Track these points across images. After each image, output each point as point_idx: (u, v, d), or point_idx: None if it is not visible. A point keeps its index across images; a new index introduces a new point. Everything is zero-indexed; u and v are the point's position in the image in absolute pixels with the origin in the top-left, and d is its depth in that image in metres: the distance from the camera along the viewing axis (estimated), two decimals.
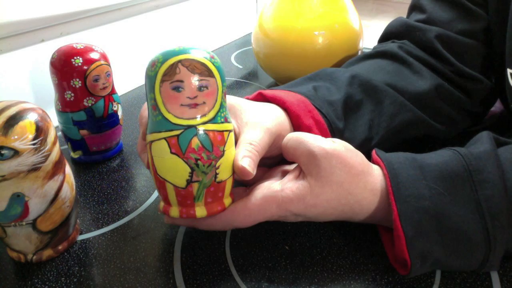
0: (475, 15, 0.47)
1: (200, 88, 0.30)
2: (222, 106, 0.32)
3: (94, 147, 0.48)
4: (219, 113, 0.31)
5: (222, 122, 0.31)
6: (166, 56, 0.30)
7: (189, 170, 0.30)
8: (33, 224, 0.32)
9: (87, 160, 0.48)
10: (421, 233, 0.30)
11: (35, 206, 0.31)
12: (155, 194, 0.43)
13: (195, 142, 0.30)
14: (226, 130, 0.32)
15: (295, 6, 0.59)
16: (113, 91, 0.47)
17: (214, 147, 0.31)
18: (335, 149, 0.32)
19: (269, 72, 0.66)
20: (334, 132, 0.40)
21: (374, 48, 0.51)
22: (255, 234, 0.37)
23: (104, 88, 0.46)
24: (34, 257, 0.34)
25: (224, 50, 0.88)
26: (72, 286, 0.33)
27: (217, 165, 0.31)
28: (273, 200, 0.32)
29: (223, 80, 0.32)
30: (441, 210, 0.30)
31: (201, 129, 0.30)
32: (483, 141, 0.33)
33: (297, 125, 0.39)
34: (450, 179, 0.31)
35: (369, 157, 0.35)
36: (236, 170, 0.32)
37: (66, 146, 0.48)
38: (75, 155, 0.48)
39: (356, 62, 0.50)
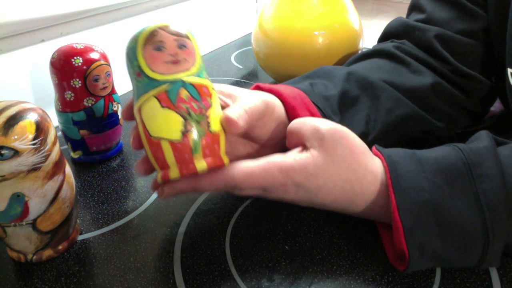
0: (475, 15, 0.47)
1: (180, 47, 0.32)
2: (201, 68, 0.33)
3: (94, 147, 0.48)
4: (201, 71, 0.33)
5: (205, 78, 0.33)
6: (144, 28, 0.32)
7: (182, 120, 0.31)
8: (33, 224, 0.32)
9: (87, 160, 0.48)
10: (419, 225, 0.30)
11: (35, 206, 0.31)
12: (155, 194, 0.43)
13: (184, 93, 0.31)
14: (210, 86, 0.33)
15: (295, 6, 0.59)
16: (113, 91, 0.47)
17: (202, 97, 0.32)
18: (338, 127, 0.34)
19: (269, 72, 0.66)
20: None
21: (372, 47, 0.52)
22: (255, 234, 0.37)
23: (104, 88, 0.46)
24: (34, 257, 0.34)
25: (224, 50, 0.88)
26: (72, 286, 0.33)
27: (207, 114, 0.32)
28: (275, 165, 0.32)
29: (199, 48, 0.34)
30: (440, 203, 0.31)
31: (187, 81, 0.31)
32: (482, 139, 0.33)
33: (293, 117, 0.39)
34: (449, 173, 0.31)
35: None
36: (223, 122, 0.32)
37: (66, 146, 0.48)
38: (75, 155, 0.48)
39: (354, 62, 0.50)
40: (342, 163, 0.32)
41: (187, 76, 0.32)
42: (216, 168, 0.32)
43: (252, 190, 0.33)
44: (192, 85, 0.32)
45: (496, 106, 0.55)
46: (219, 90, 0.37)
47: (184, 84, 0.31)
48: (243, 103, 0.35)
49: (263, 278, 0.33)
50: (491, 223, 0.30)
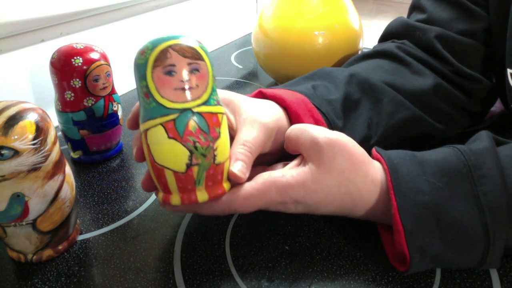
0: (476, 15, 0.47)
1: (192, 71, 0.30)
2: (213, 89, 0.32)
3: (94, 147, 0.48)
4: (212, 96, 0.31)
5: (215, 105, 0.32)
6: (155, 43, 0.30)
7: (188, 153, 0.30)
8: (33, 224, 0.32)
9: (87, 160, 0.48)
10: (420, 227, 0.30)
11: (35, 206, 0.31)
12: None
13: (192, 125, 0.30)
14: (220, 113, 0.32)
15: (295, 6, 0.59)
16: (113, 91, 0.47)
17: (210, 128, 0.31)
18: (338, 137, 0.33)
19: (269, 72, 0.66)
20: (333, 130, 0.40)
21: (373, 47, 0.52)
22: (255, 234, 0.37)
23: (104, 88, 0.46)
24: (34, 257, 0.34)
25: (224, 50, 0.88)
26: (72, 286, 0.33)
27: (214, 147, 0.31)
28: (273, 184, 0.32)
29: (212, 64, 0.32)
30: (440, 205, 0.30)
31: (196, 112, 0.30)
32: (482, 139, 0.33)
33: (296, 123, 0.39)
34: (450, 175, 0.31)
35: (369, 155, 0.35)
36: (229, 174, 0.33)
37: (66, 146, 0.48)
38: (75, 155, 0.48)
39: (355, 62, 0.50)
40: (341, 176, 0.32)
41: (197, 106, 0.30)
42: (218, 197, 0.32)
43: (252, 210, 0.33)
44: (202, 115, 0.30)
45: (497, 106, 0.55)
46: (221, 98, 0.37)
47: (193, 115, 0.30)
48: (246, 140, 0.34)
49: (263, 278, 0.33)
50: (491, 225, 0.30)
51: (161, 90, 0.30)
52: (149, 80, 0.30)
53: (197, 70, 0.31)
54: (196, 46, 0.31)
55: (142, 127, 0.31)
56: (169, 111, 0.30)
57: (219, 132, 0.31)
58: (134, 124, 0.35)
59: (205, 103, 0.31)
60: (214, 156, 0.31)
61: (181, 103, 0.30)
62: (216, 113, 0.31)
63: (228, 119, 0.36)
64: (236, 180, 0.33)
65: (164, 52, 0.30)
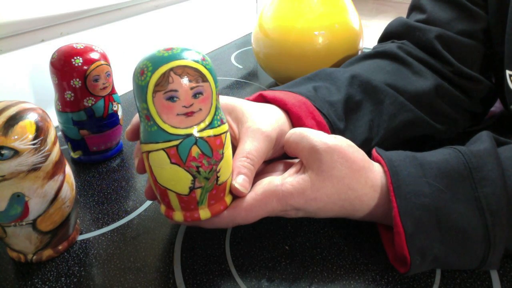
0: (475, 15, 0.47)
1: (195, 96, 0.29)
2: (217, 108, 0.31)
3: (94, 147, 0.48)
4: (215, 117, 0.31)
5: (218, 126, 0.31)
6: (155, 63, 0.28)
7: (191, 178, 0.30)
8: (33, 224, 0.32)
9: (87, 160, 0.48)
10: (421, 229, 0.30)
11: (35, 206, 0.31)
12: None
13: (195, 151, 0.29)
14: (223, 133, 0.31)
15: (295, 6, 0.59)
16: (113, 91, 0.47)
17: (213, 152, 0.30)
18: (337, 144, 0.33)
19: (269, 72, 0.66)
20: (335, 133, 0.40)
21: (374, 48, 0.52)
22: (255, 234, 0.37)
23: (104, 88, 0.46)
24: (34, 257, 0.34)
25: (224, 50, 0.88)
26: (72, 286, 0.33)
27: (217, 169, 0.31)
28: (273, 194, 0.33)
29: (215, 81, 0.31)
30: (441, 207, 0.30)
31: (200, 137, 0.29)
32: (482, 140, 0.33)
33: (298, 126, 0.39)
34: (450, 177, 0.31)
35: (369, 157, 0.35)
36: (231, 188, 0.33)
37: (66, 146, 0.48)
38: (75, 155, 0.48)
39: (355, 62, 0.50)
40: (341, 184, 0.32)
41: (201, 130, 0.29)
42: (220, 213, 0.33)
43: (254, 221, 0.34)
44: (205, 140, 0.30)
45: (497, 106, 0.55)
46: (223, 104, 0.37)
47: (196, 141, 0.29)
48: (249, 152, 0.34)
49: (263, 278, 0.33)
50: (492, 227, 0.30)
51: (163, 116, 0.29)
52: (150, 104, 0.29)
53: (201, 93, 0.29)
54: (199, 65, 0.29)
55: (144, 147, 0.31)
56: (172, 137, 0.29)
57: (222, 153, 0.31)
58: (134, 136, 0.35)
59: (209, 126, 0.30)
60: (217, 177, 0.31)
61: (183, 129, 0.29)
62: (219, 135, 0.31)
63: (230, 127, 0.36)
64: (238, 195, 0.33)
65: (165, 75, 0.28)
